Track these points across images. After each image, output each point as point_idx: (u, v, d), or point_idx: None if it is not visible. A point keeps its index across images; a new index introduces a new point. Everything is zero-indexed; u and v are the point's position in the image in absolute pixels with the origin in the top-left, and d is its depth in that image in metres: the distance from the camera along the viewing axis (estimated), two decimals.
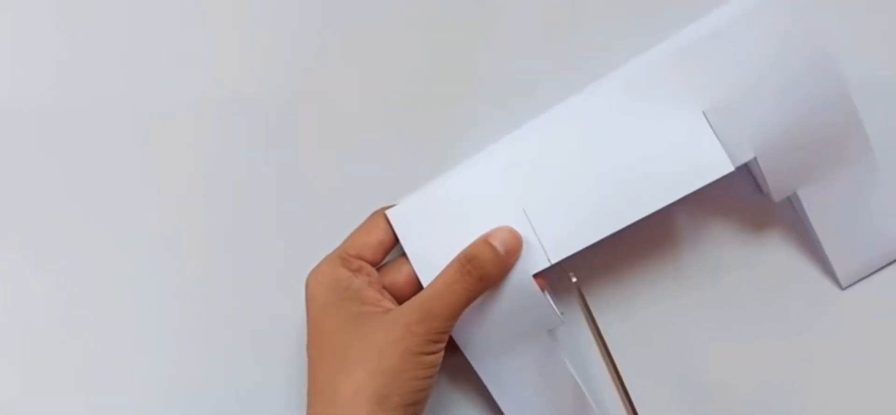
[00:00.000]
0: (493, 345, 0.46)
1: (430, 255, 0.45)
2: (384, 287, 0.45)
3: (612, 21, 0.49)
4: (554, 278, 0.47)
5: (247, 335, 0.50)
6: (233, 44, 0.50)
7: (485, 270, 0.43)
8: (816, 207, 0.45)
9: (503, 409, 0.47)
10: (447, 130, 0.49)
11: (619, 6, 0.49)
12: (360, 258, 0.45)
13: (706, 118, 0.43)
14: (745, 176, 0.48)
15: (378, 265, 0.46)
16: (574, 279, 0.44)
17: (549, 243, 0.44)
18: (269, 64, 0.50)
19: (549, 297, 0.46)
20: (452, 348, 0.45)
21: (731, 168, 0.43)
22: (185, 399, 0.49)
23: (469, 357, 0.46)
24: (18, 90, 0.50)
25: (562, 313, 0.46)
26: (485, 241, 0.44)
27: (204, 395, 0.49)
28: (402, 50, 0.50)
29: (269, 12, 0.50)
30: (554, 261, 0.44)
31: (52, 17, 0.50)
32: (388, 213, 0.45)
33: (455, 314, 0.43)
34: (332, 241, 0.46)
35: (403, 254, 0.45)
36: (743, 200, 0.48)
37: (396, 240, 0.45)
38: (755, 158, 0.43)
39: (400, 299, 0.45)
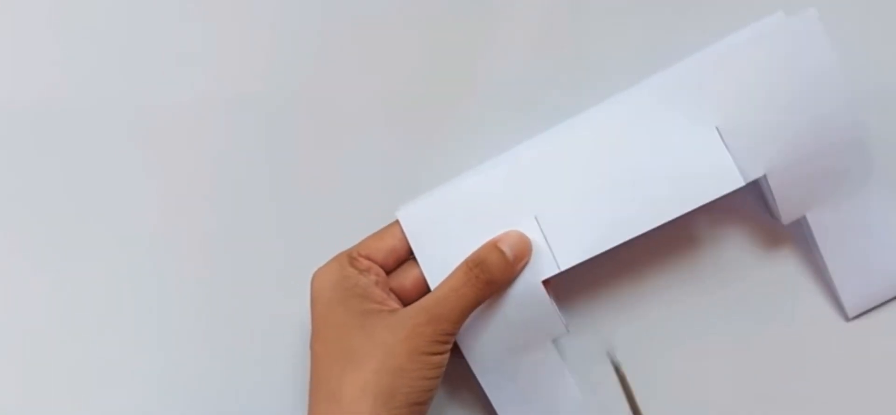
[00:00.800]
0: (496, 350, 0.45)
1: (440, 257, 0.44)
2: (391, 289, 0.45)
3: (612, 21, 0.49)
4: (560, 287, 0.47)
5: (247, 335, 0.49)
6: (233, 43, 0.50)
7: (492, 274, 0.43)
8: (825, 232, 0.45)
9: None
10: (447, 130, 0.49)
11: (619, 7, 0.49)
12: (369, 259, 0.45)
13: (719, 134, 0.43)
14: (758, 200, 0.48)
15: (388, 272, 0.45)
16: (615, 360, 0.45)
17: (559, 250, 0.44)
18: (269, 64, 0.50)
19: (555, 306, 0.45)
20: (453, 353, 0.45)
21: (742, 183, 0.42)
22: (185, 399, 0.49)
23: (470, 361, 0.46)
24: (18, 90, 0.50)
25: (566, 323, 0.45)
26: (493, 245, 0.43)
27: (204, 395, 0.49)
28: (402, 50, 0.50)
29: (270, 12, 0.50)
30: (563, 267, 0.44)
31: (52, 17, 0.50)
32: (399, 214, 0.45)
33: (462, 317, 0.43)
34: (332, 241, 0.46)
35: (412, 257, 0.45)
36: (753, 223, 0.48)
37: (410, 252, 0.45)
38: (765, 177, 0.43)
39: (407, 302, 0.45)
